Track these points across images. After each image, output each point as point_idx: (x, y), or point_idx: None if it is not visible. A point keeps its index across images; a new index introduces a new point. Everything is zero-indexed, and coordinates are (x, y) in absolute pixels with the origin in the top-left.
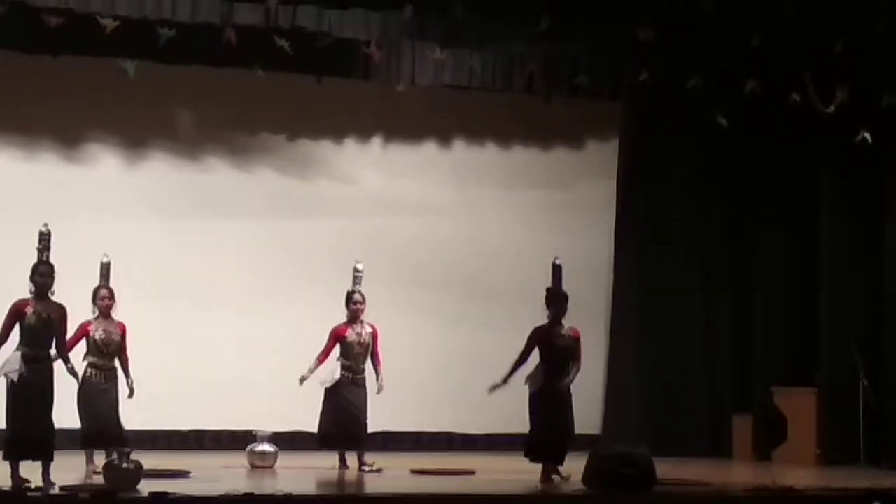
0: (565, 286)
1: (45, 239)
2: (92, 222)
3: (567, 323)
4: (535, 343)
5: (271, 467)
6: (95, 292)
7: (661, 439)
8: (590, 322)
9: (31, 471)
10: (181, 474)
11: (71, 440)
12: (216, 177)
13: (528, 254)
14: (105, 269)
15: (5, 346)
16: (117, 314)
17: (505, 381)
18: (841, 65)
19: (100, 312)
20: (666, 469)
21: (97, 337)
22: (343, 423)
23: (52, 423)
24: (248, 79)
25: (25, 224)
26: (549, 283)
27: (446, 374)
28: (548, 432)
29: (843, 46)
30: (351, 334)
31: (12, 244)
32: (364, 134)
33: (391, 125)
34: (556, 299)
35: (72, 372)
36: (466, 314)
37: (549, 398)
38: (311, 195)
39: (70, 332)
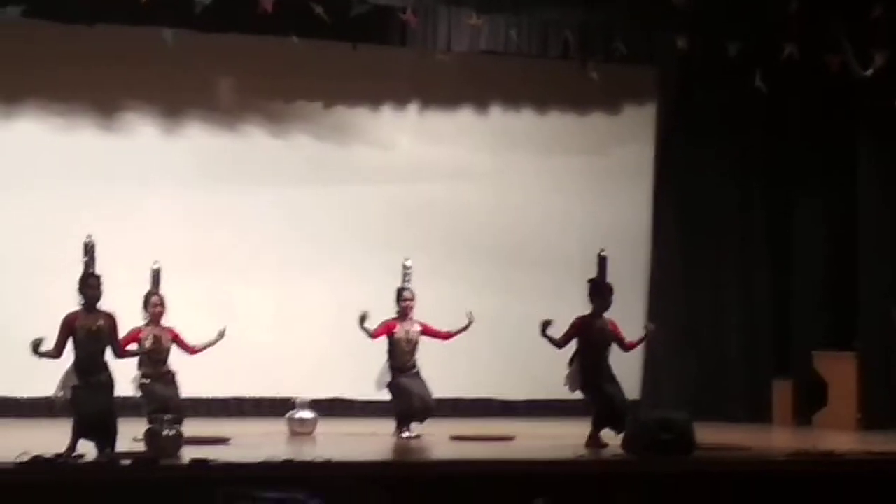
0: (606, 249)
1: (90, 251)
2: (130, 191)
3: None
4: (575, 333)
5: (310, 434)
6: (147, 299)
7: (700, 405)
8: (628, 288)
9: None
10: (221, 441)
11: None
12: (253, 145)
13: (564, 220)
14: (156, 276)
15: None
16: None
17: (542, 330)
18: (879, 28)
19: (151, 319)
20: (705, 434)
21: (148, 345)
22: (421, 397)
23: (115, 419)
24: (285, 46)
25: (64, 192)
26: (587, 249)
27: (484, 340)
28: (609, 402)
29: (881, 10)
30: (400, 331)
31: (51, 211)
32: (400, 100)
33: (427, 91)
34: (601, 292)
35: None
36: (503, 281)
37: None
38: (347, 162)
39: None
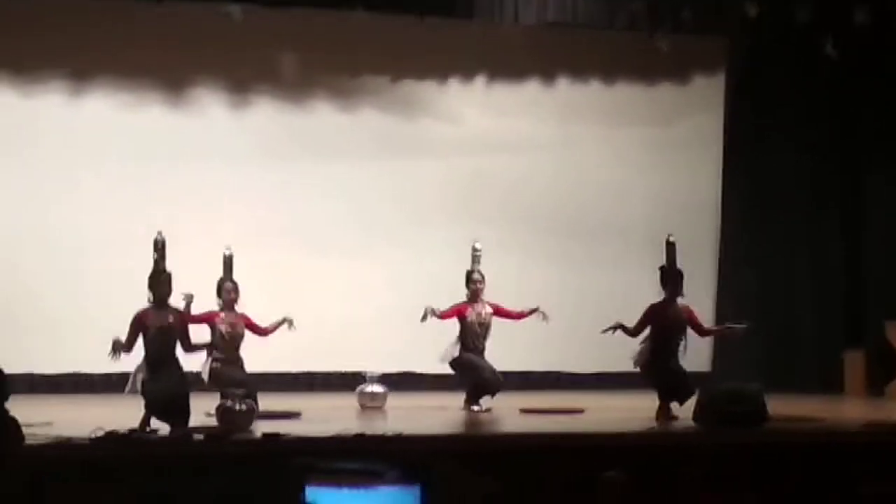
0: (671, 224)
1: (160, 247)
2: (198, 168)
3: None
4: (648, 321)
5: (381, 408)
6: (220, 286)
7: (771, 376)
8: (697, 259)
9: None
10: (292, 416)
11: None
12: (320, 120)
13: (632, 192)
14: (228, 262)
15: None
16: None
17: (613, 330)
18: None
19: (224, 306)
20: (777, 406)
21: (223, 330)
22: (492, 370)
23: (188, 399)
24: (351, 20)
25: (132, 170)
26: (654, 221)
27: (551, 312)
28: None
29: None
30: (471, 314)
31: (121, 189)
32: (467, 73)
33: (494, 64)
34: (672, 278)
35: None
36: (571, 253)
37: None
38: (414, 136)
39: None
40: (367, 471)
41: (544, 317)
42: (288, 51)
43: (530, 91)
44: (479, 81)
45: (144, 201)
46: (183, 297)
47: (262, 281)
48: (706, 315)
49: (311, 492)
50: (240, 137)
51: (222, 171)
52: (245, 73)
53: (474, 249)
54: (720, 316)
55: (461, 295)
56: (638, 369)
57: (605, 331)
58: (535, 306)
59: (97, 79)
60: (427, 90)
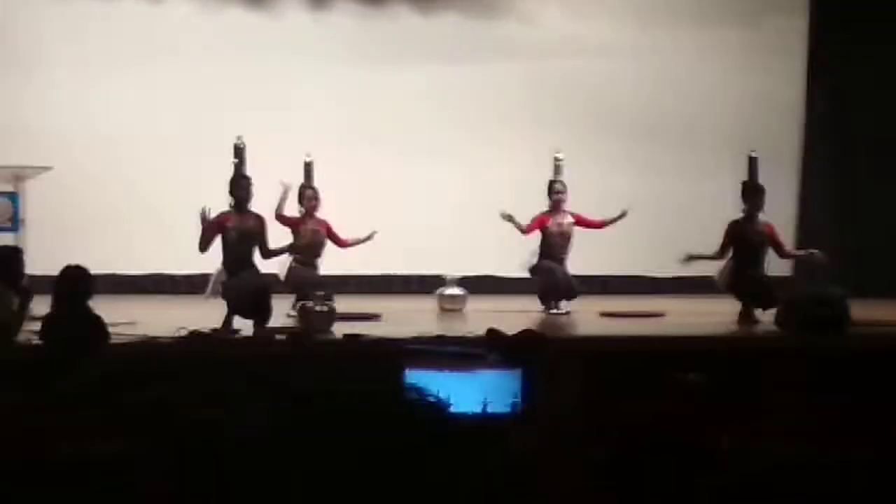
0: (755, 127)
1: (240, 152)
2: (278, 71)
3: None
4: (730, 240)
5: (460, 310)
6: (301, 193)
7: (853, 281)
8: (779, 163)
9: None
10: (372, 317)
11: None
12: (400, 23)
13: (718, 96)
14: (308, 169)
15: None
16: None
17: (692, 258)
18: None
19: (306, 212)
20: (860, 311)
21: (304, 236)
22: (565, 273)
23: (269, 298)
24: None
25: (213, 72)
26: (738, 127)
27: (632, 217)
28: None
29: None
30: (552, 224)
31: (202, 91)
32: None
33: None
34: (753, 193)
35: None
36: (650, 157)
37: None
38: (494, 39)
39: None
40: (469, 354)
41: (622, 214)
42: None
43: None
44: None
45: (225, 103)
46: (281, 185)
47: (342, 183)
48: (789, 220)
49: (412, 375)
50: (321, 40)
51: (302, 73)
52: None
53: (556, 159)
54: (802, 219)
55: (542, 199)
56: (722, 288)
57: (684, 260)
58: (617, 214)
59: None
60: None
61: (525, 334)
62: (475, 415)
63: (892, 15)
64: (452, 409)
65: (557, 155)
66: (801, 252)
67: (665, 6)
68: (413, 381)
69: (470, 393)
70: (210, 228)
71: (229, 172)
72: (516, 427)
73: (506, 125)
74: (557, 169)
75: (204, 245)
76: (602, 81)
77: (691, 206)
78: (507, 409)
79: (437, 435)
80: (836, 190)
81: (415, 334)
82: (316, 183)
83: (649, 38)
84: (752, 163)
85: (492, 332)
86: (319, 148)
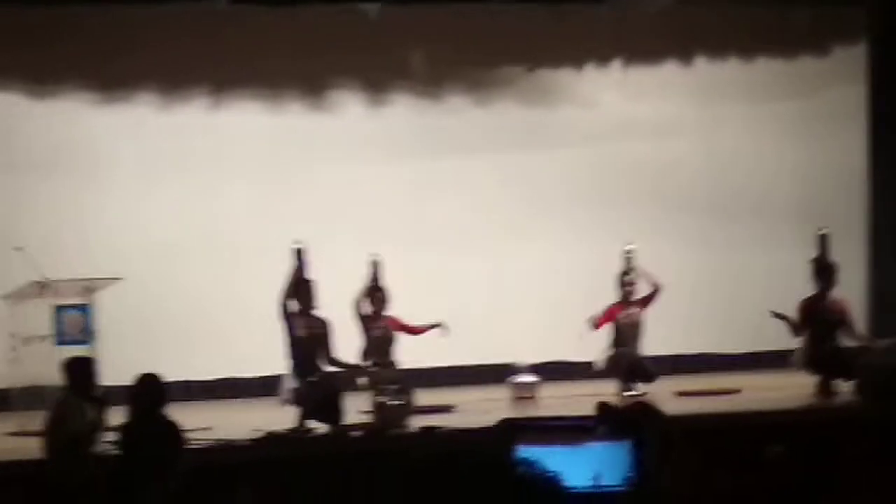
0: (820, 200)
1: (300, 256)
2: (340, 171)
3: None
4: (806, 317)
5: (533, 398)
6: (370, 293)
7: None
8: (845, 232)
9: None
10: (446, 409)
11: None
12: (459, 114)
13: (776, 168)
14: (375, 268)
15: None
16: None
17: (780, 316)
18: None
19: (374, 311)
20: None
21: (376, 336)
22: (633, 353)
23: (341, 398)
24: (484, 12)
25: (274, 175)
26: (802, 198)
27: (702, 294)
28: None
29: None
30: (622, 315)
31: (262, 197)
32: (603, 57)
33: (630, 47)
34: (825, 271)
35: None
36: (717, 233)
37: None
38: (553, 124)
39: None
40: (578, 426)
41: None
42: (423, 46)
43: (668, 72)
44: (615, 65)
45: (285, 207)
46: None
47: (405, 279)
48: (859, 290)
49: (524, 451)
50: (380, 137)
51: (364, 172)
52: (382, 71)
53: (626, 251)
54: (874, 288)
55: (607, 282)
56: (800, 366)
57: (774, 315)
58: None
59: (236, 88)
60: (564, 77)
61: (637, 406)
62: (588, 488)
63: None
64: (565, 483)
65: (628, 247)
66: (866, 338)
67: (721, 82)
68: (525, 457)
69: (581, 467)
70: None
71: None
72: (628, 499)
73: (570, 209)
74: (628, 261)
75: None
76: (664, 159)
77: (760, 279)
78: (619, 482)
79: None
80: None
81: (490, 424)
82: (389, 278)
83: (708, 114)
84: (823, 240)
85: (602, 406)
86: (383, 245)
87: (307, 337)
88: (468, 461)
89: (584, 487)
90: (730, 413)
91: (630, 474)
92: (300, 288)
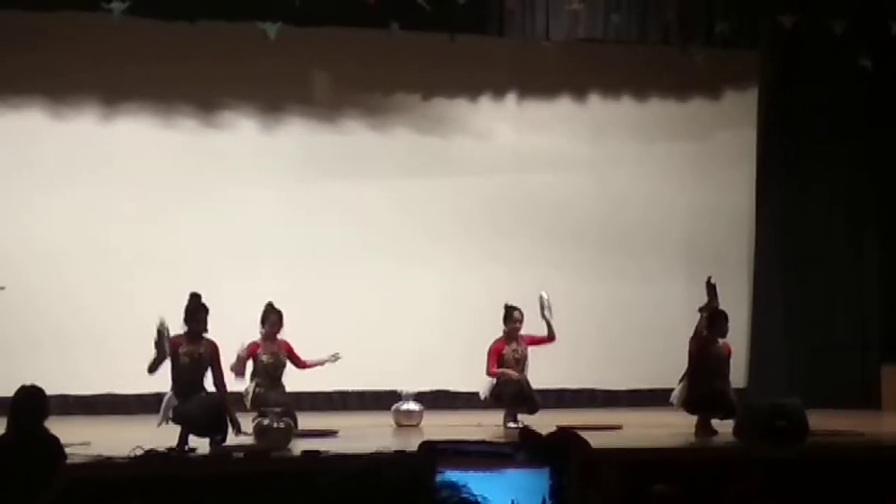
0: (707, 238)
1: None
2: (230, 188)
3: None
4: (694, 359)
5: (417, 425)
6: (265, 316)
7: (808, 391)
8: (732, 273)
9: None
10: (329, 434)
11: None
12: (353, 138)
13: (666, 206)
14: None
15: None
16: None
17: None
18: None
19: (266, 335)
20: (815, 420)
21: (265, 360)
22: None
23: (225, 415)
24: (382, 38)
25: (163, 189)
26: (690, 237)
27: (584, 330)
28: (707, 388)
29: None
30: (507, 351)
31: (152, 211)
32: (499, 90)
33: (526, 80)
34: (718, 320)
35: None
36: (605, 269)
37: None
38: (447, 153)
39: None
40: (497, 453)
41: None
42: (320, 69)
43: (562, 107)
44: (511, 98)
45: (175, 222)
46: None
47: (297, 300)
48: (741, 329)
49: (444, 475)
50: (273, 156)
51: (255, 191)
52: (277, 91)
53: (541, 298)
54: (755, 329)
55: (496, 313)
56: (678, 407)
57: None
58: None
59: (129, 98)
60: (459, 107)
61: (559, 433)
62: None
63: (836, 121)
64: None
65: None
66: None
67: (614, 120)
68: (446, 481)
69: (500, 492)
70: (167, 346)
71: (176, 289)
72: None
73: (465, 239)
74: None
75: (158, 360)
76: (556, 193)
77: (643, 316)
78: None
79: None
80: (789, 298)
81: (373, 450)
82: (270, 301)
83: (600, 150)
84: (712, 289)
85: (525, 431)
86: (271, 263)
87: (193, 358)
88: (388, 484)
89: None
90: (614, 449)
91: (549, 501)
92: (195, 315)
